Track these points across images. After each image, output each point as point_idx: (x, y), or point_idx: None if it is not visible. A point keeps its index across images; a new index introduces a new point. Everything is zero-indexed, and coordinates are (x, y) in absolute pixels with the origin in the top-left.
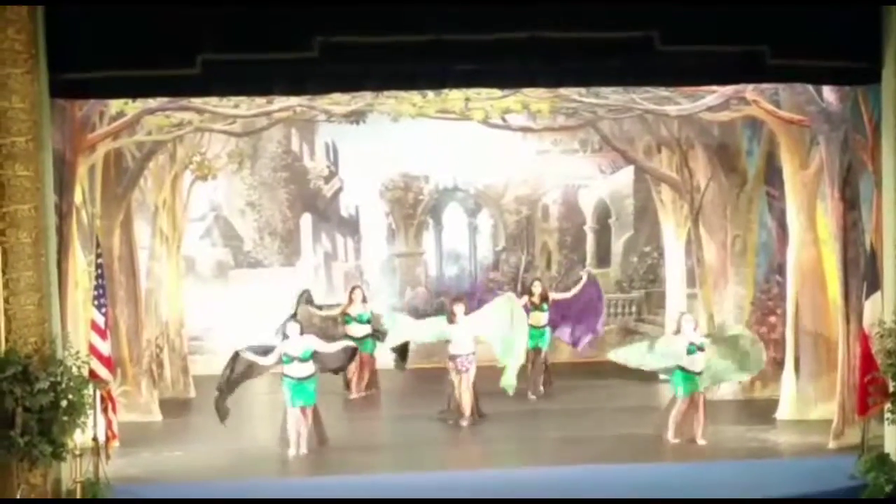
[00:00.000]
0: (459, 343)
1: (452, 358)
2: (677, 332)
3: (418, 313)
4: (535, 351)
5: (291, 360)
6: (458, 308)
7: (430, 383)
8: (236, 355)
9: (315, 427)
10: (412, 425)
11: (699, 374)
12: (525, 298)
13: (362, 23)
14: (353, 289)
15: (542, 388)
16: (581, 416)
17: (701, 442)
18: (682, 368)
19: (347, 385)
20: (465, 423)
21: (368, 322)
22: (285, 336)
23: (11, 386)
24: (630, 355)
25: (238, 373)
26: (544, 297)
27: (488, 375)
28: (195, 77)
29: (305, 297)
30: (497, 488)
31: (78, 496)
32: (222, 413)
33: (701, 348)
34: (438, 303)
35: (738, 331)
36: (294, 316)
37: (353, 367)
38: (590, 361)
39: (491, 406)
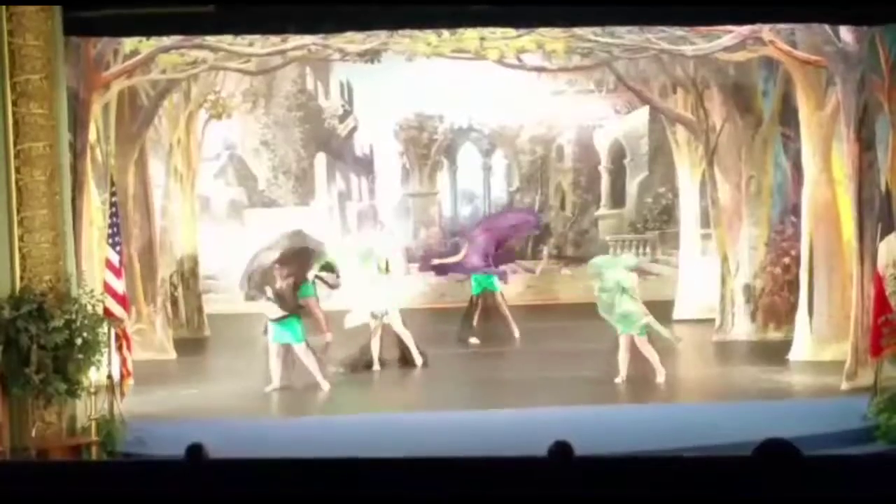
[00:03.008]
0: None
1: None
2: None
3: (432, 253)
4: (488, 294)
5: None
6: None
7: (444, 323)
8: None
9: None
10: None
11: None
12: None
13: None
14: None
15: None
16: (584, 358)
17: (617, 381)
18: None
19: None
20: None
21: None
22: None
23: (26, 324)
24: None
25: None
26: None
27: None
28: (209, 15)
29: None
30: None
31: (93, 434)
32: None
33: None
34: (452, 243)
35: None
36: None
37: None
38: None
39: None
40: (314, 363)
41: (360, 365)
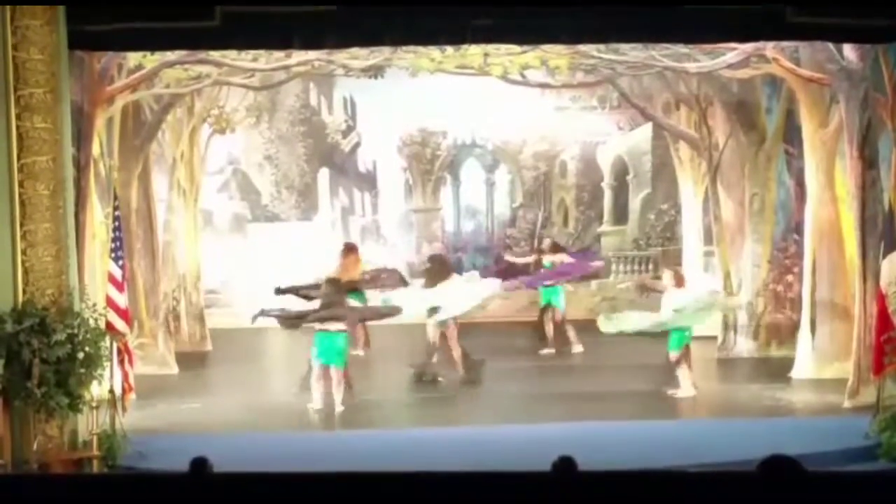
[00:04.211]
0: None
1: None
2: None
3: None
4: (550, 307)
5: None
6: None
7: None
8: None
9: (348, 385)
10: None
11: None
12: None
13: None
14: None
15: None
16: (588, 373)
17: (688, 395)
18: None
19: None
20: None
21: None
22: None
23: (29, 338)
24: (622, 324)
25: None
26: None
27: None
28: (214, 30)
29: None
30: (502, 444)
31: (94, 448)
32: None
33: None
34: (455, 259)
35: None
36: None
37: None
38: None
39: (502, 363)
40: (341, 387)
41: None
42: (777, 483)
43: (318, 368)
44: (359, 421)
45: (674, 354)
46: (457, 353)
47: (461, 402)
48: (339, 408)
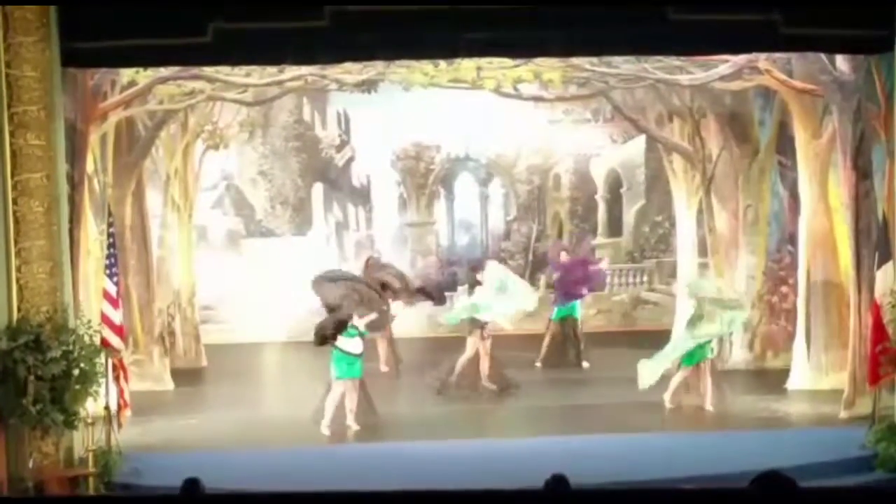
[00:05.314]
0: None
1: (481, 325)
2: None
3: (430, 282)
4: (570, 320)
5: (356, 334)
6: (481, 276)
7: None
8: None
9: (366, 400)
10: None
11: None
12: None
13: None
14: (369, 259)
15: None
16: (590, 385)
17: (709, 408)
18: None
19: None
20: (490, 388)
21: None
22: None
23: (24, 354)
24: (649, 371)
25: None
26: None
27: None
28: (207, 46)
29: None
30: (504, 458)
31: (90, 465)
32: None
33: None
34: (450, 273)
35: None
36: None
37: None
38: (599, 332)
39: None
40: (355, 401)
41: (461, 386)
42: (771, 500)
43: (342, 384)
44: (361, 435)
45: (686, 369)
46: (486, 364)
47: (482, 415)
48: (354, 427)
